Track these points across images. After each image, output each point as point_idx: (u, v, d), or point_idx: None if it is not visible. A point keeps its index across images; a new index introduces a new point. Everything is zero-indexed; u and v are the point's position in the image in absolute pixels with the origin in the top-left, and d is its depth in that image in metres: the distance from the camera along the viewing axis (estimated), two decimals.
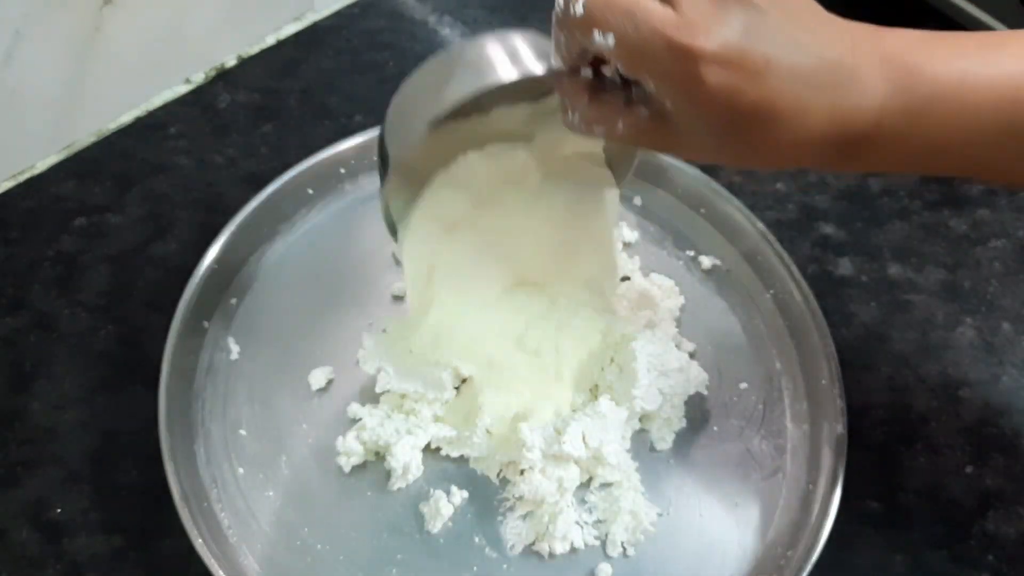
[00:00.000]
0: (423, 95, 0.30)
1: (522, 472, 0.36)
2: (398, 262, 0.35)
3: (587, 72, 0.28)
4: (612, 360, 0.39)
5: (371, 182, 0.47)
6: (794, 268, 0.42)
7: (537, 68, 0.29)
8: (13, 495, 0.37)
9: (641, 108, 0.28)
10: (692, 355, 0.41)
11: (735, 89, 0.26)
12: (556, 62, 0.29)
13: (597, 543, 0.36)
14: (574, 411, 0.38)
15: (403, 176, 0.33)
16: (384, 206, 0.34)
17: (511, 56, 0.29)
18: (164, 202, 0.47)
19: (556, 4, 0.28)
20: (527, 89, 0.30)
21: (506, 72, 0.29)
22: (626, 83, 0.28)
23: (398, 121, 0.32)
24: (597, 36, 0.26)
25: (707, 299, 0.43)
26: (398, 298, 0.43)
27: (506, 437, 0.37)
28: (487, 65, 0.29)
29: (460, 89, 0.29)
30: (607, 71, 0.29)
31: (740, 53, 0.25)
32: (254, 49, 0.54)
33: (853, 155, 0.28)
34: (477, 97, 0.29)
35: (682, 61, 0.25)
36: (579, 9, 0.26)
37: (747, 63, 0.26)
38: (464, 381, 0.38)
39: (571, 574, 0.35)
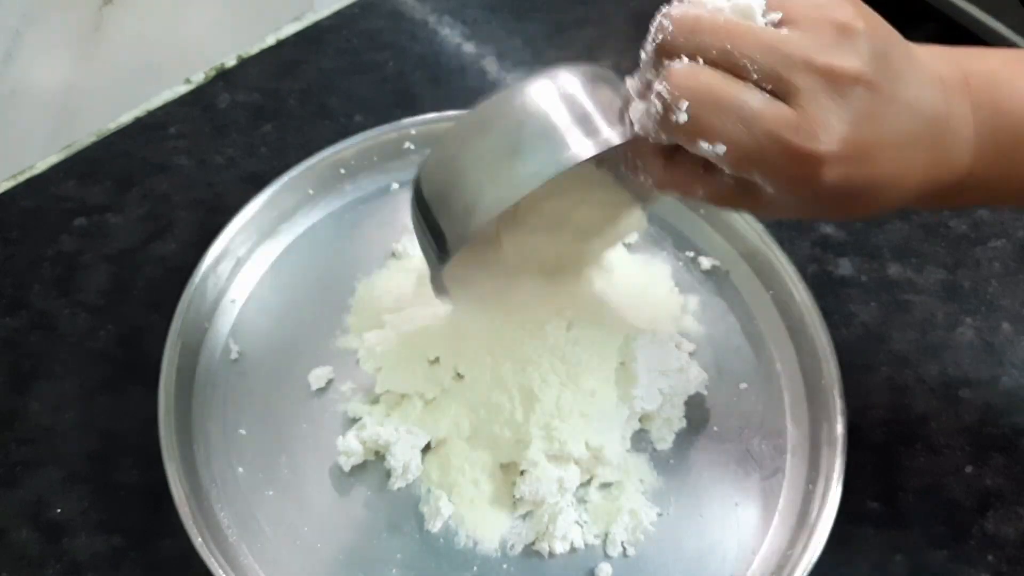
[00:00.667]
0: (481, 170, 0.26)
1: (522, 472, 0.36)
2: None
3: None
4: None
5: (371, 182, 0.47)
6: (794, 268, 0.42)
7: (614, 137, 0.25)
8: (13, 495, 0.37)
9: (724, 176, 0.26)
10: (692, 355, 0.41)
11: (847, 177, 0.24)
12: (633, 131, 0.26)
13: (597, 543, 0.36)
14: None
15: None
16: (436, 277, 0.30)
17: (581, 120, 0.25)
18: (164, 202, 0.47)
19: (651, 105, 0.24)
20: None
21: (582, 147, 0.25)
22: None
23: (452, 194, 0.27)
24: (704, 145, 0.24)
25: (707, 299, 0.43)
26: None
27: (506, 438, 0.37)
28: (557, 135, 0.25)
29: (534, 172, 0.25)
30: None
31: (857, 144, 0.24)
32: (254, 49, 0.54)
33: (945, 201, 0.28)
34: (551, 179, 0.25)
35: (802, 165, 0.24)
36: (683, 117, 0.24)
37: (863, 150, 0.24)
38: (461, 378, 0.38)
39: (571, 574, 0.35)
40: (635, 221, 0.36)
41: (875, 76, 0.24)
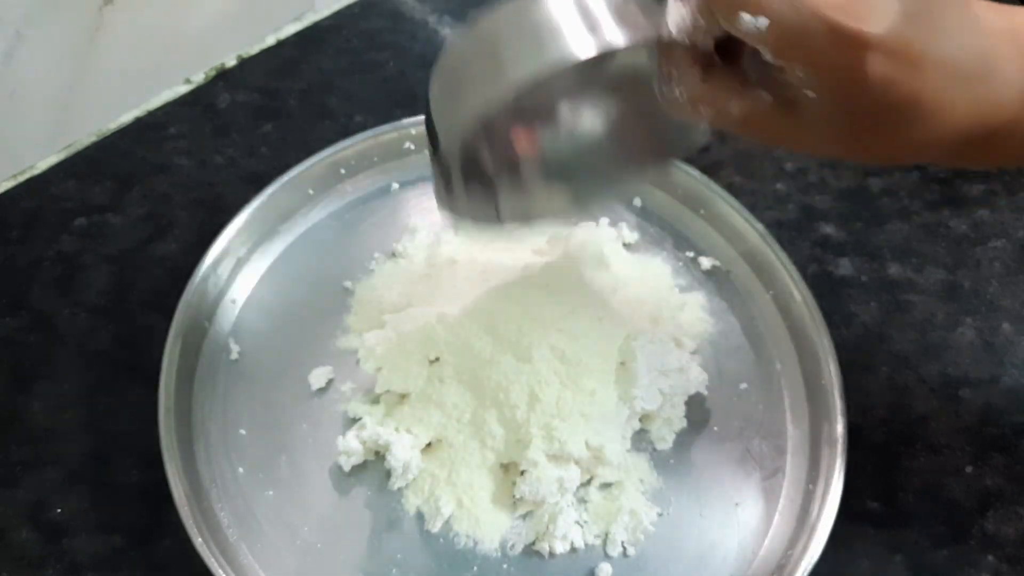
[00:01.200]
0: (475, 69, 0.23)
1: (522, 472, 0.36)
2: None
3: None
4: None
5: (371, 182, 0.47)
6: (794, 268, 0.42)
7: (619, 38, 0.22)
8: (13, 495, 0.37)
9: (762, 92, 0.25)
10: (692, 355, 0.41)
11: (891, 80, 0.23)
12: (670, 30, 0.24)
13: (597, 543, 0.36)
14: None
15: (460, 157, 0.27)
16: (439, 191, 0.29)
17: (590, 23, 0.23)
18: (164, 202, 0.47)
19: None
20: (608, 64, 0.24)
21: (581, 47, 0.22)
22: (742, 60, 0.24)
23: (444, 98, 0.25)
24: (747, 19, 0.23)
25: (707, 300, 0.43)
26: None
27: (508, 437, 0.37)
28: (557, 35, 0.22)
29: (517, 72, 0.22)
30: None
31: (905, 41, 0.23)
32: (254, 49, 0.54)
33: (987, 149, 0.26)
34: (545, 79, 0.22)
35: (846, 48, 0.23)
36: None
37: (910, 53, 0.23)
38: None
39: (571, 574, 0.35)
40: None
41: None
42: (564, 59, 0.22)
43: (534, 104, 0.25)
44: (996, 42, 0.25)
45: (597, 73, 0.24)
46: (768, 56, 0.24)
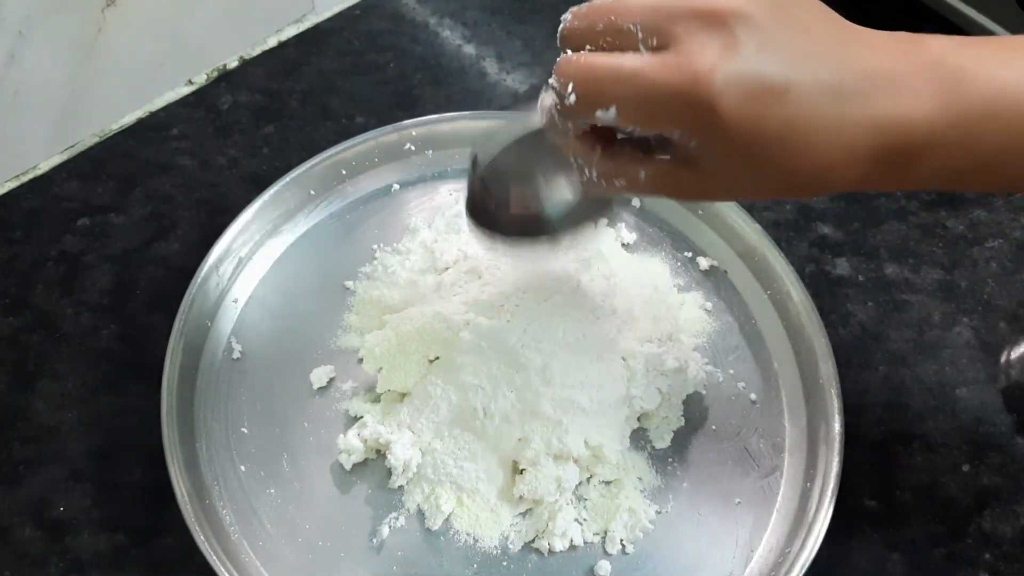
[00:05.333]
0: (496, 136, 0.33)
1: (522, 470, 0.37)
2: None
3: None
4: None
5: (372, 182, 0.47)
6: (791, 268, 0.42)
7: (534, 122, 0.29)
8: (16, 494, 0.37)
9: (661, 156, 0.27)
10: (690, 354, 0.41)
11: (757, 116, 0.24)
12: (556, 134, 0.28)
13: (596, 540, 0.36)
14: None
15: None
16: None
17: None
18: (166, 202, 0.47)
19: (549, 96, 0.26)
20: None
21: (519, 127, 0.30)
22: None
23: (482, 145, 0.34)
24: (600, 114, 0.25)
25: (705, 299, 0.44)
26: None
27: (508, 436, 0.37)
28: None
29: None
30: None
31: (752, 77, 0.23)
32: (256, 50, 0.54)
33: (904, 170, 0.26)
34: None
35: (694, 104, 0.24)
36: (571, 98, 0.25)
37: (764, 86, 0.24)
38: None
39: (570, 571, 0.36)
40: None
41: (760, 15, 0.24)
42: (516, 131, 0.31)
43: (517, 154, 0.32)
44: (898, 61, 0.25)
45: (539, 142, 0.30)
46: (639, 131, 0.26)
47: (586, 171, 0.28)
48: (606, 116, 0.25)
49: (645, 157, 0.27)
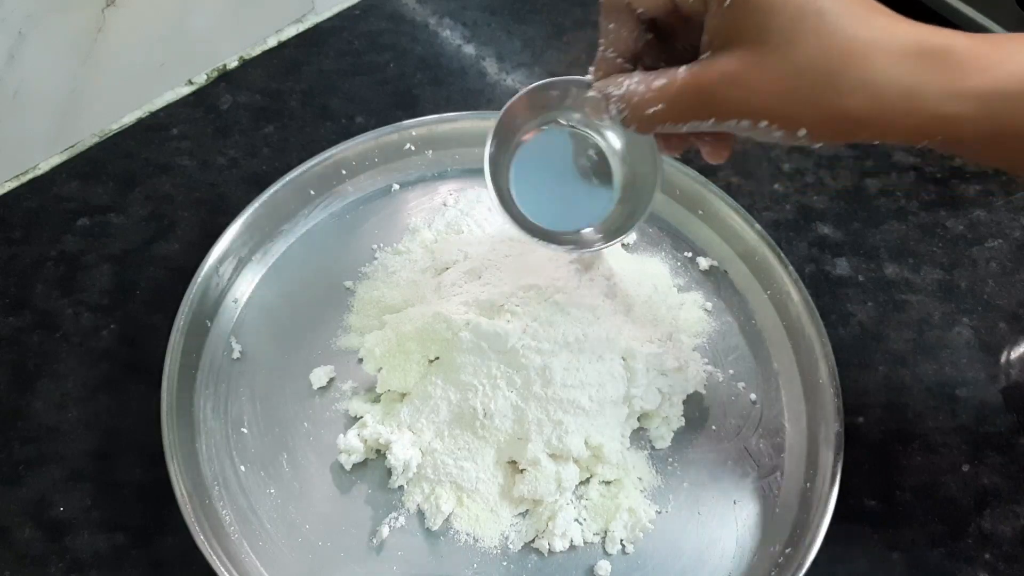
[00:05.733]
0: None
1: (522, 470, 0.37)
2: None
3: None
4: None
5: (372, 182, 0.47)
6: (791, 268, 0.42)
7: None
8: (16, 494, 0.37)
9: (702, 55, 0.27)
10: (690, 354, 0.41)
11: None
12: (597, 72, 0.30)
13: (596, 540, 0.36)
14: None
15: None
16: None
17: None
18: (166, 202, 0.47)
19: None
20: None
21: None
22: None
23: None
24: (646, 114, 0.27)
25: (705, 299, 0.44)
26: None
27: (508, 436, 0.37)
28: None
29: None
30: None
31: None
32: (256, 50, 0.54)
33: (944, 73, 0.26)
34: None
35: None
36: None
37: None
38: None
39: (570, 571, 0.36)
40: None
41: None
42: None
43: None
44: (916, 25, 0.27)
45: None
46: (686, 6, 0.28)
47: (633, 102, 0.28)
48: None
49: (682, 65, 0.28)
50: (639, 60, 0.31)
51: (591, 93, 0.31)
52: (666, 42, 0.31)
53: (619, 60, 0.30)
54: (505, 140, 0.35)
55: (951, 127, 0.26)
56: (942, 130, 0.26)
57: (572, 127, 0.35)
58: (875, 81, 0.26)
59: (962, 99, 0.26)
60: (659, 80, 0.28)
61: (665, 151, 0.34)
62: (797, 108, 0.26)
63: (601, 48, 0.30)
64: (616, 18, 0.29)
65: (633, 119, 0.29)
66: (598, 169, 0.36)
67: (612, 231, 0.36)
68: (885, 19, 0.26)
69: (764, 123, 0.27)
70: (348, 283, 0.43)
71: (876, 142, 0.28)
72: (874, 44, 0.26)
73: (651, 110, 0.28)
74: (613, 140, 0.36)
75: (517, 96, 0.33)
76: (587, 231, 0.37)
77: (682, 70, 0.28)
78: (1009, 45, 0.27)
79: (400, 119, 0.47)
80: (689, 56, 0.28)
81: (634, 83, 0.29)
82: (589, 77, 0.31)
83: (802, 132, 0.27)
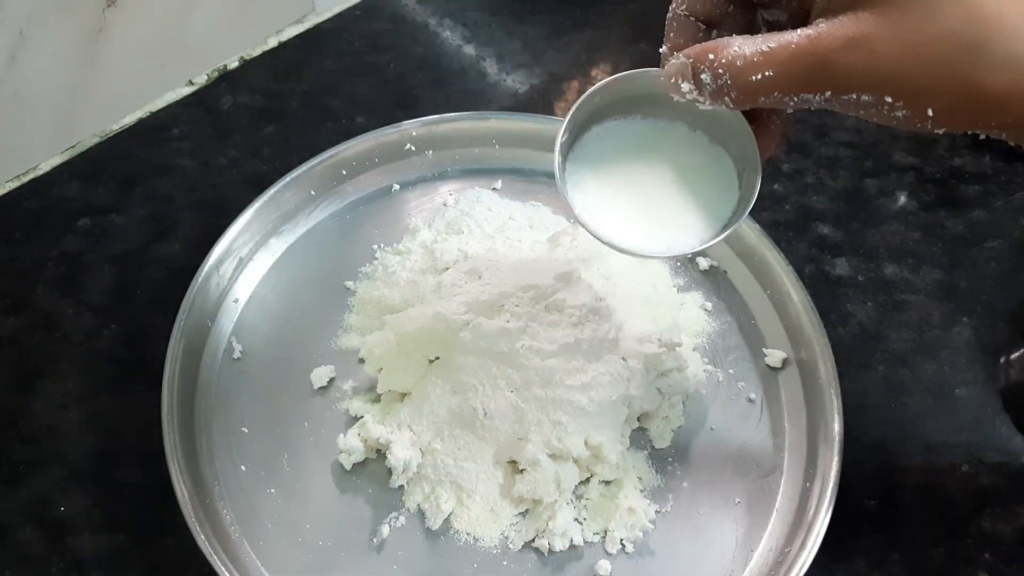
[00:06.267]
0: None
1: (522, 470, 0.37)
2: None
3: None
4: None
5: (372, 182, 0.47)
6: (791, 268, 0.42)
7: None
8: (16, 494, 0.37)
9: (819, 21, 0.24)
10: (690, 354, 0.41)
11: None
12: (673, 44, 0.27)
13: (596, 540, 0.36)
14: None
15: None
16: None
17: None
18: (167, 203, 0.47)
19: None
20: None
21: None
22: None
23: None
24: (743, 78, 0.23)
25: (705, 299, 0.44)
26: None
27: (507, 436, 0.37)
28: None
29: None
30: None
31: None
32: (256, 51, 0.54)
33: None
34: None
35: None
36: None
37: None
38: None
39: (571, 571, 0.36)
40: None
41: None
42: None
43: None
44: None
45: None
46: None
47: (726, 47, 0.25)
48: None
49: (795, 29, 0.24)
50: (715, 28, 0.27)
51: (674, 59, 0.26)
52: (751, 11, 0.27)
53: (693, 21, 0.27)
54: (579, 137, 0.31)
55: None
56: None
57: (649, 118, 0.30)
58: (1002, 69, 0.22)
59: None
60: (768, 43, 0.24)
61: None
62: (932, 82, 0.23)
63: (675, 5, 0.27)
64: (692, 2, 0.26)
65: (734, 87, 0.25)
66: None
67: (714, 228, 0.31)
68: None
69: (889, 99, 0.23)
70: (348, 283, 0.43)
71: (1002, 136, 0.24)
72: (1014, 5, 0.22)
73: (757, 76, 0.24)
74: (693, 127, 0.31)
75: (587, 95, 0.29)
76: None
77: (798, 33, 0.24)
78: None
79: (400, 119, 0.47)
80: (781, 29, 0.25)
81: (736, 46, 0.24)
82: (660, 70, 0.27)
83: (930, 112, 0.23)
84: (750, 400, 0.41)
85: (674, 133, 0.31)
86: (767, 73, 0.24)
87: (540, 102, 0.53)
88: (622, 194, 0.31)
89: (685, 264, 0.45)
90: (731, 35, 0.26)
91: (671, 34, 0.27)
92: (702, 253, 0.30)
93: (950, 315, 0.45)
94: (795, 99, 0.25)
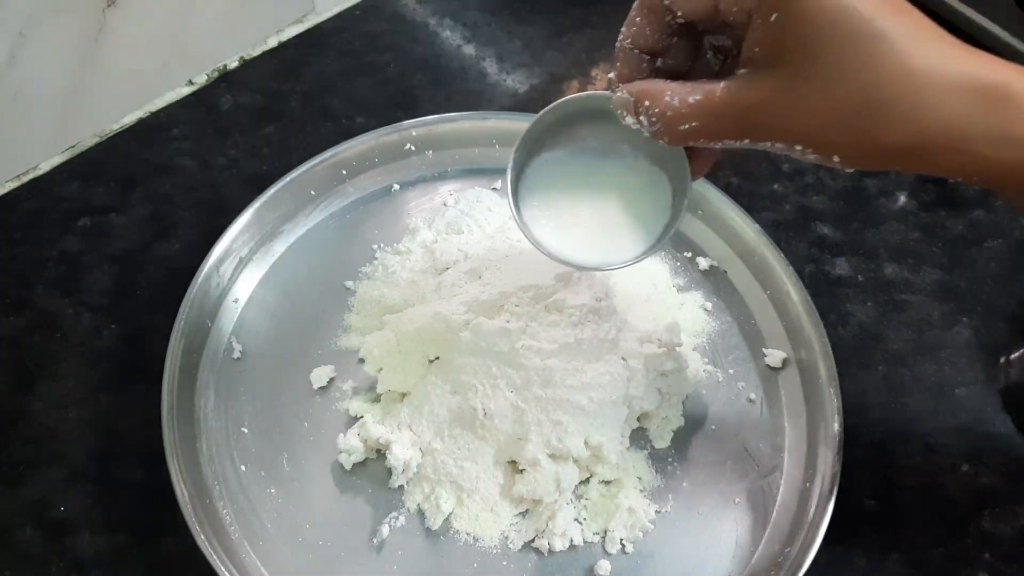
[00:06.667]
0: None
1: (522, 470, 0.37)
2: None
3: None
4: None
5: (372, 182, 0.47)
6: (791, 268, 0.42)
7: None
8: (16, 494, 0.38)
9: (740, 70, 0.26)
10: (690, 354, 0.41)
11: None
12: (619, 73, 0.29)
13: (596, 540, 0.36)
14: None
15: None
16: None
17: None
18: (167, 203, 0.47)
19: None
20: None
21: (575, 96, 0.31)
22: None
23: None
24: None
25: (705, 299, 0.44)
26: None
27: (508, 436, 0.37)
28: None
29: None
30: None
31: None
32: (256, 51, 0.54)
33: (994, 116, 0.25)
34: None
35: None
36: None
37: None
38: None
39: (570, 571, 0.36)
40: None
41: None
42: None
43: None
44: (988, 58, 0.26)
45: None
46: (726, 12, 0.26)
47: (660, 93, 0.27)
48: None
49: (721, 78, 0.27)
50: (659, 56, 0.30)
51: (619, 93, 0.29)
52: (696, 39, 0.29)
53: (638, 53, 0.29)
54: (529, 159, 0.33)
55: (995, 171, 0.26)
56: (985, 172, 0.26)
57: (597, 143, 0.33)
58: (921, 117, 0.25)
59: (1010, 144, 0.25)
60: (695, 95, 0.27)
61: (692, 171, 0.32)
62: (837, 136, 0.26)
63: (621, 38, 0.29)
64: (647, 15, 0.28)
65: (666, 133, 0.28)
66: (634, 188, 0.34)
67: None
68: (943, 48, 0.25)
69: (799, 147, 0.26)
70: (348, 283, 0.43)
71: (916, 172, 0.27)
72: (927, 77, 0.24)
73: (685, 126, 0.27)
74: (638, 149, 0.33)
75: (537, 118, 0.32)
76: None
77: (720, 88, 0.26)
78: None
79: (400, 119, 0.47)
80: (716, 62, 0.28)
81: (667, 96, 0.27)
82: (609, 93, 0.30)
83: (836, 158, 0.26)
84: (750, 400, 0.41)
85: (617, 160, 0.34)
86: (693, 124, 0.27)
87: (540, 102, 0.53)
88: (568, 218, 0.34)
89: (685, 264, 0.45)
90: (668, 67, 0.29)
91: (618, 63, 0.30)
92: (640, 261, 0.34)
93: (950, 315, 0.45)
94: (720, 143, 0.28)
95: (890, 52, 0.24)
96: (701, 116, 0.27)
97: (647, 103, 0.28)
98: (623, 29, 0.29)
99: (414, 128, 0.47)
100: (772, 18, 0.25)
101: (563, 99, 0.32)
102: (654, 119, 0.28)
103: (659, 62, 0.30)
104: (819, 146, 0.26)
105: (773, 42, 0.25)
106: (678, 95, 0.27)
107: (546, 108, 0.32)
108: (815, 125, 0.26)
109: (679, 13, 0.27)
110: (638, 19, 0.28)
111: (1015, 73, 0.25)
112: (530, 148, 0.33)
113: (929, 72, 0.25)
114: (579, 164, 0.34)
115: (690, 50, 0.30)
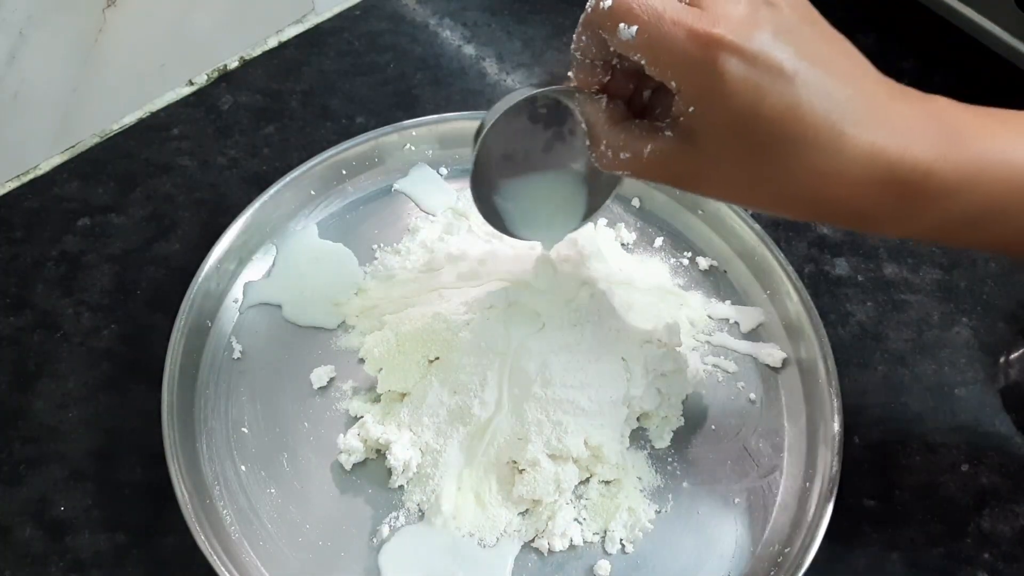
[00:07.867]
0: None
1: (522, 470, 0.37)
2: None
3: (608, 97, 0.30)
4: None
5: (372, 182, 0.47)
6: (791, 268, 0.42)
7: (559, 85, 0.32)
8: (17, 493, 0.38)
9: (667, 132, 0.28)
10: (690, 354, 0.41)
11: (757, 87, 0.25)
12: (576, 76, 0.31)
13: (596, 540, 0.36)
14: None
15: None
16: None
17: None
18: (167, 203, 0.47)
19: (587, 6, 0.28)
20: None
21: (520, 94, 0.32)
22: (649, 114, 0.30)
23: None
24: (622, 28, 0.26)
25: (705, 299, 0.44)
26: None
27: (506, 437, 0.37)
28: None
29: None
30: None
31: (764, 50, 0.25)
32: (256, 51, 0.54)
33: (903, 206, 0.26)
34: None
35: (701, 48, 0.25)
36: (607, 3, 0.27)
37: (772, 62, 0.25)
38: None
39: (570, 571, 0.36)
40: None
41: (790, 10, 0.26)
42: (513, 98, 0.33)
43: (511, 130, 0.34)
44: (902, 102, 0.27)
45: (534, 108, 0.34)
46: (647, 67, 0.27)
47: (600, 145, 0.30)
48: (626, 33, 0.26)
49: (653, 134, 0.29)
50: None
51: (575, 104, 0.32)
52: (634, 76, 0.31)
53: (590, 62, 0.30)
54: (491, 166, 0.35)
55: (887, 235, 0.28)
56: (879, 235, 0.28)
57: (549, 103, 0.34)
58: (829, 211, 0.28)
59: (914, 228, 0.28)
60: (626, 153, 0.29)
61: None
62: (750, 203, 0.30)
63: (572, 47, 0.30)
64: (592, 35, 0.28)
65: (603, 168, 0.31)
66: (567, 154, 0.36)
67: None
68: (862, 135, 0.25)
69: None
70: (347, 283, 0.43)
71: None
72: (840, 177, 0.26)
73: (618, 173, 0.31)
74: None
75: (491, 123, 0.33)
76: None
77: (647, 151, 0.29)
78: (994, 187, 0.26)
79: (400, 119, 0.47)
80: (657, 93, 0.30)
81: (603, 146, 0.30)
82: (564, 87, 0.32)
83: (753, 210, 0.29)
84: (750, 400, 0.41)
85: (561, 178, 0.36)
86: (625, 173, 0.30)
87: None
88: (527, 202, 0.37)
89: (685, 264, 0.45)
90: (614, 85, 0.31)
91: (573, 67, 0.31)
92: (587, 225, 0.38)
93: (950, 315, 0.45)
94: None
95: (809, 153, 0.26)
96: (631, 168, 0.30)
97: (593, 143, 0.31)
98: (572, 42, 0.30)
99: (414, 128, 0.47)
100: (690, 110, 0.27)
101: (519, 97, 0.33)
102: (594, 157, 0.31)
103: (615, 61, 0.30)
104: (736, 201, 0.32)
105: (693, 128, 0.27)
106: (612, 148, 0.30)
107: (507, 107, 0.33)
108: (734, 196, 0.30)
109: (611, 49, 0.28)
110: (583, 37, 0.29)
111: (943, 145, 0.26)
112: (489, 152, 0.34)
113: (840, 171, 0.26)
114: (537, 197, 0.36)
115: (630, 82, 0.31)
